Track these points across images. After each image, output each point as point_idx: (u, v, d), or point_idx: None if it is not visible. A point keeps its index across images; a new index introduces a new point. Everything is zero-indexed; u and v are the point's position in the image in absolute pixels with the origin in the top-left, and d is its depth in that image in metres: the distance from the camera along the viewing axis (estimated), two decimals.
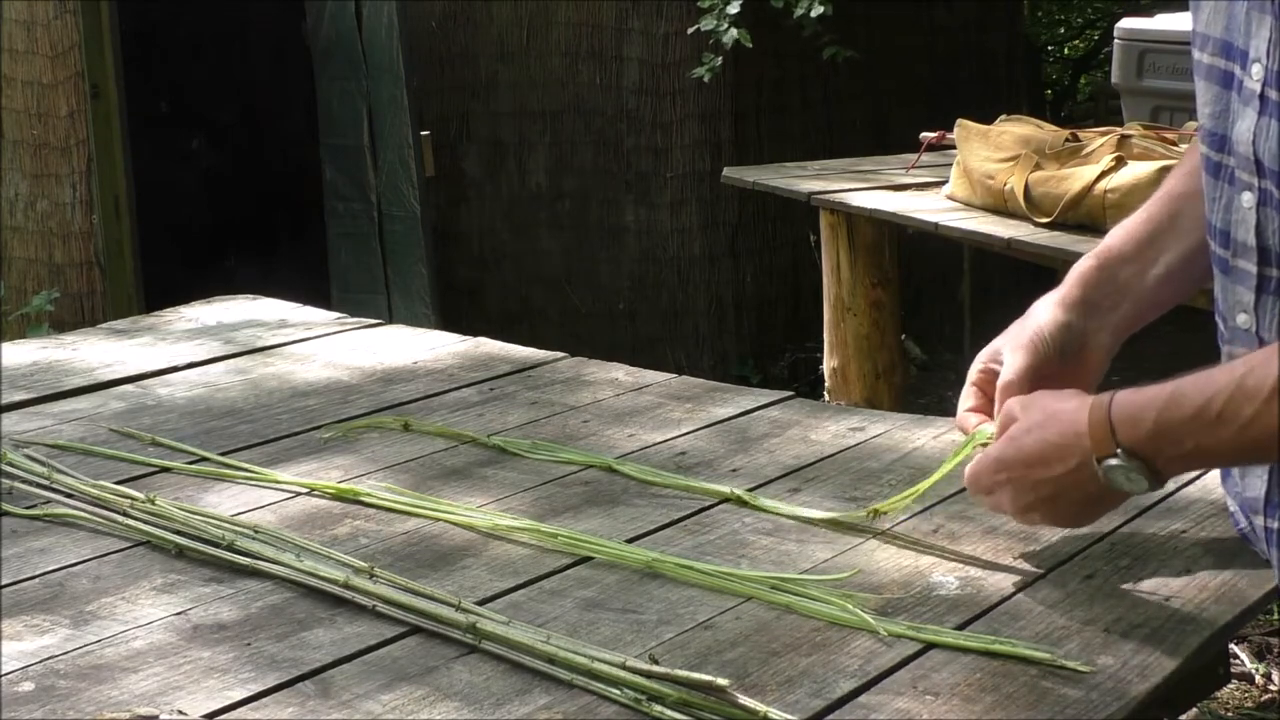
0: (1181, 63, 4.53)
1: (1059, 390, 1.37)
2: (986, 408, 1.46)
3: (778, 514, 1.57)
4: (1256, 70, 1.18)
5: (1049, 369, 1.42)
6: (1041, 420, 1.33)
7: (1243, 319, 1.27)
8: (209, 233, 6.27)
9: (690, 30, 5.57)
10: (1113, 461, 1.26)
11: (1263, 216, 1.20)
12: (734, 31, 5.39)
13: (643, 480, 1.67)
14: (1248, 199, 1.21)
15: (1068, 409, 1.31)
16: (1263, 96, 1.17)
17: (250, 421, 1.92)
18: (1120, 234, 1.48)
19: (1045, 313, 1.46)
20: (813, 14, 5.35)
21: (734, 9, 5.42)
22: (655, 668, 1.20)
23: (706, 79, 5.53)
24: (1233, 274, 1.26)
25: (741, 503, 1.60)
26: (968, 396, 1.49)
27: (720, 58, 5.49)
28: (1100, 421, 1.26)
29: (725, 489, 1.62)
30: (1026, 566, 1.43)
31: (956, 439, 1.52)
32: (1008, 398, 1.40)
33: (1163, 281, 1.45)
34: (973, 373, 1.49)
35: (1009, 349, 1.45)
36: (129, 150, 5.32)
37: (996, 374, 1.45)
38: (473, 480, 1.70)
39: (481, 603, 1.37)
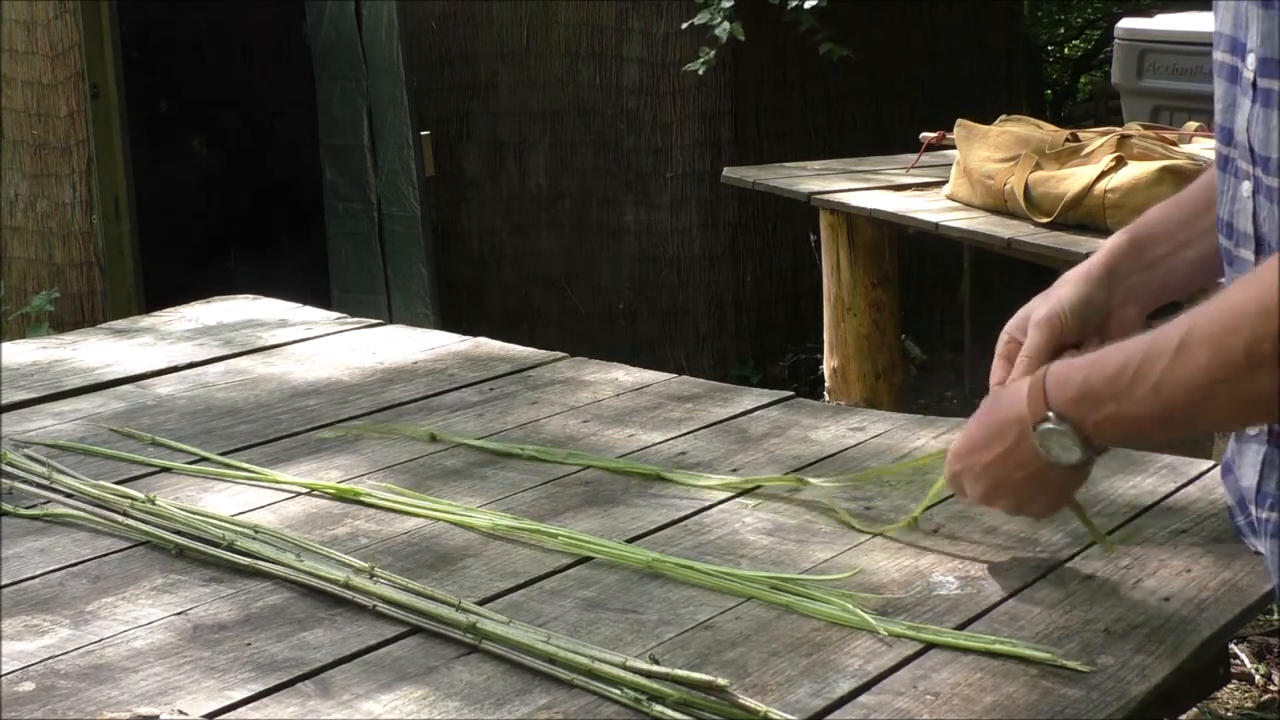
0: (1181, 63, 4.53)
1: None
2: None
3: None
4: (1251, 60, 1.19)
5: (1069, 342, 1.43)
6: (987, 407, 1.36)
7: None
8: (209, 233, 6.26)
9: (685, 25, 5.56)
10: (1046, 426, 1.26)
11: (1256, 204, 1.21)
12: (728, 25, 5.37)
13: (681, 484, 1.67)
14: (1246, 188, 1.23)
15: (1011, 390, 1.33)
16: (1255, 84, 1.18)
17: (250, 421, 1.92)
18: (1156, 213, 1.48)
19: (1068, 287, 1.46)
20: (807, 4, 5.34)
21: (729, 2, 5.40)
22: (655, 668, 1.20)
23: (700, 72, 5.51)
24: (1236, 265, 1.26)
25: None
26: (998, 370, 1.49)
27: (714, 51, 5.47)
28: (1036, 387, 1.27)
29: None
30: (1026, 566, 1.43)
31: (957, 438, 1.51)
32: (1026, 373, 1.41)
33: (1193, 264, 1.46)
34: (1000, 344, 1.49)
35: (1031, 324, 1.46)
36: (129, 150, 5.32)
37: (1021, 345, 1.46)
38: (473, 480, 1.70)
39: (482, 603, 1.37)
